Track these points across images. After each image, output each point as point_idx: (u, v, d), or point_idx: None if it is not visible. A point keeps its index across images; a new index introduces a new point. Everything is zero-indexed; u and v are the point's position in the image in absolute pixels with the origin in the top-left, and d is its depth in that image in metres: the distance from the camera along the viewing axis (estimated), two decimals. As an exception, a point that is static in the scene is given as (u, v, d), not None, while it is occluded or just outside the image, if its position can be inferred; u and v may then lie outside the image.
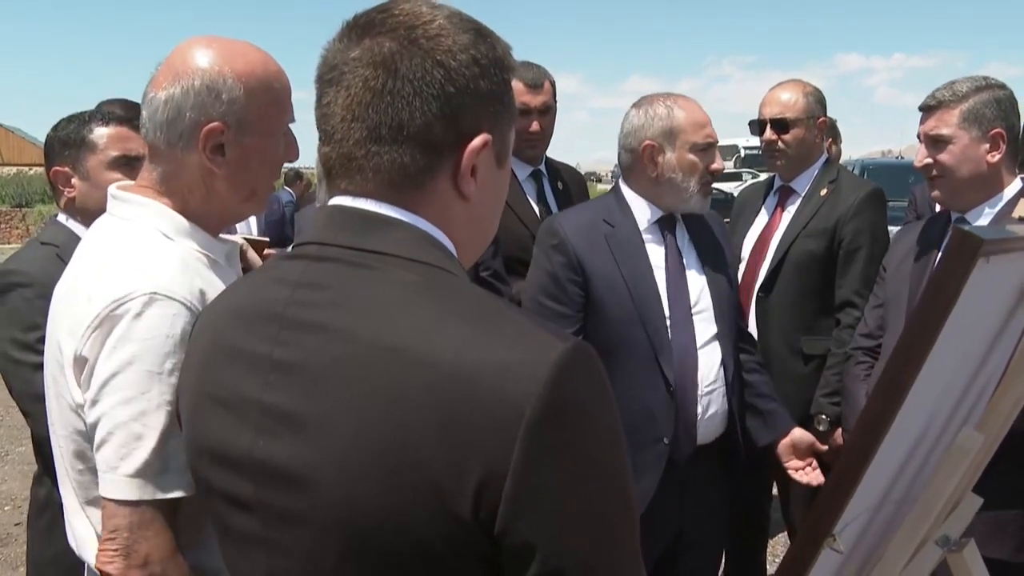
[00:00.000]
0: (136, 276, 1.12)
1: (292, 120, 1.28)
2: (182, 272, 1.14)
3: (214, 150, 1.19)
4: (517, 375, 0.71)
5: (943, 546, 1.30)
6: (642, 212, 2.11)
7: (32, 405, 1.80)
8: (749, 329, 2.75)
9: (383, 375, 0.74)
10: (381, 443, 0.73)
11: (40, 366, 1.78)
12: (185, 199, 1.23)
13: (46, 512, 1.94)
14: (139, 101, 2.84)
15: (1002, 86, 2.02)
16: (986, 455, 1.37)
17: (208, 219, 1.25)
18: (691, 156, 2.06)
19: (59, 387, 1.21)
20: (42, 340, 1.76)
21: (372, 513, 0.74)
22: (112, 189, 1.26)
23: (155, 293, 1.10)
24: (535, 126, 2.73)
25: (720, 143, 2.19)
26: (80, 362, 1.13)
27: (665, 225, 2.12)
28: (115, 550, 1.08)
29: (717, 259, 2.17)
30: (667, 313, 2.03)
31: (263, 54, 1.24)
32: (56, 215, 2.04)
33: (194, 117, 1.18)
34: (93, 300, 1.12)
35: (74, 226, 1.97)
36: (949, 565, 1.35)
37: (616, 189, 2.19)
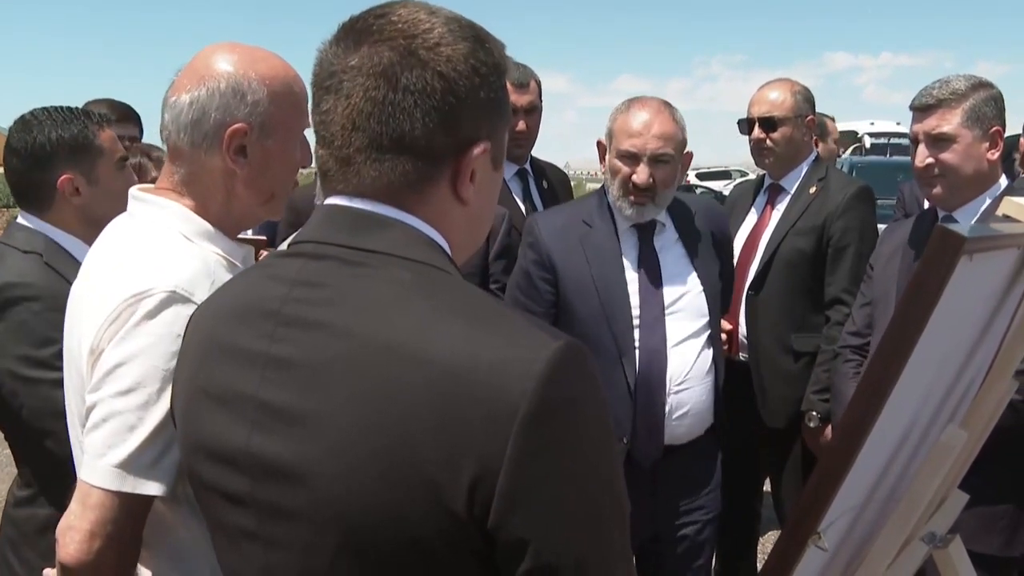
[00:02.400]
0: (157, 273, 1.13)
1: (308, 125, 1.29)
2: (204, 274, 1.15)
3: (237, 151, 1.21)
4: (511, 372, 0.72)
5: (929, 543, 1.31)
6: (620, 214, 2.11)
7: (53, 423, 1.69)
8: (739, 327, 2.77)
9: (379, 372, 0.75)
10: (377, 439, 0.74)
11: (59, 382, 1.72)
12: (206, 201, 1.24)
13: (48, 533, 1.89)
14: (119, 99, 2.77)
15: (992, 84, 2.03)
16: (971, 452, 1.37)
17: (228, 222, 1.26)
18: (616, 161, 2.06)
19: (77, 390, 1.21)
20: (59, 355, 1.64)
21: (368, 508, 0.75)
22: (133, 190, 1.27)
23: (174, 292, 1.11)
24: (521, 125, 2.74)
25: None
26: (95, 356, 1.14)
27: (644, 227, 2.12)
28: (84, 539, 1.08)
29: (705, 258, 2.16)
30: (637, 313, 2.04)
31: (284, 61, 1.27)
32: (16, 218, 1.90)
33: (219, 118, 1.19)
34: (111, 296, 1.13)
35: (49, 230, 1.85)
36: (935, 561, 1.35)
37: (601, 188, 2.20)
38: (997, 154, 2.00)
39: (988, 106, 1.97)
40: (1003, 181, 2.07)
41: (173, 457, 1.10)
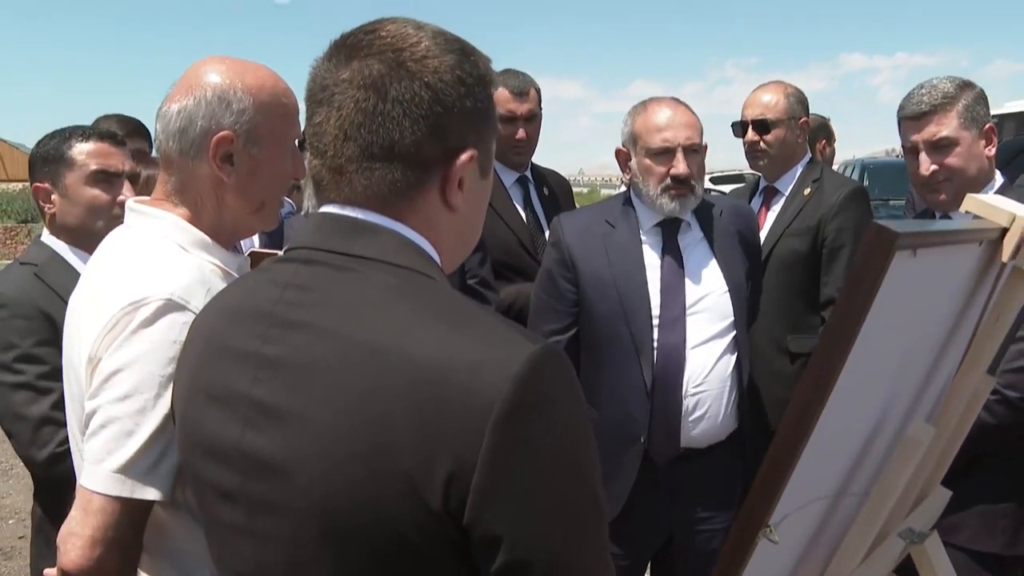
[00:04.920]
0: (153, 282, 1.16)
1: (300, 136, 1.32)
2: (199, 283, 1.18)
3: (223, 159, 1.24)
4: (488, 372, 0.74)
5: (906, 539, 1.31)
6: (645, 214, 2.13)
7: (12, 425, 1.81)
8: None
9: (362, 372, 0.78)
10: (359, 436, 0.77)
11: (18, 386, 1.78)
12: (198, 210, 1.27)
13: (44, 528, 1.96)
14: (135, 116, 2.83)
15: (974, 83, 2.03)
16: (948, 448, 1.37)
17: (221, 231, 1.29)
18: (647, 161, 2.08)
19: (77, 399, 1.24)
20: (19, 359, 1.79)
21: (349, 503, 0.77)
22: (129, 202, 1.30)
23: (170, 300, 1.14)
24: (521, 133, 2.75)
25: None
26: (94, 364, 1.16)
27: (668, 226, 2.12)
28: (86, 545, 1.10)
29: (731, 258, 2.14)
30: (656, 312, 2.04)
31: (273, 73, 1.30)
32: (40, 235, 2.03)
33: (204, 126, 1.23)
34: (109, 305, 1.16)
35: (55, 244, 1.96)
36: (912, 557, 1.36)
37: (627, 191, 2.23)
38: (993, 150, 2.00)
39: (979, 104, 1.97)
40: (999, 178, 2.07)
41: (170, 462, 1.13)
